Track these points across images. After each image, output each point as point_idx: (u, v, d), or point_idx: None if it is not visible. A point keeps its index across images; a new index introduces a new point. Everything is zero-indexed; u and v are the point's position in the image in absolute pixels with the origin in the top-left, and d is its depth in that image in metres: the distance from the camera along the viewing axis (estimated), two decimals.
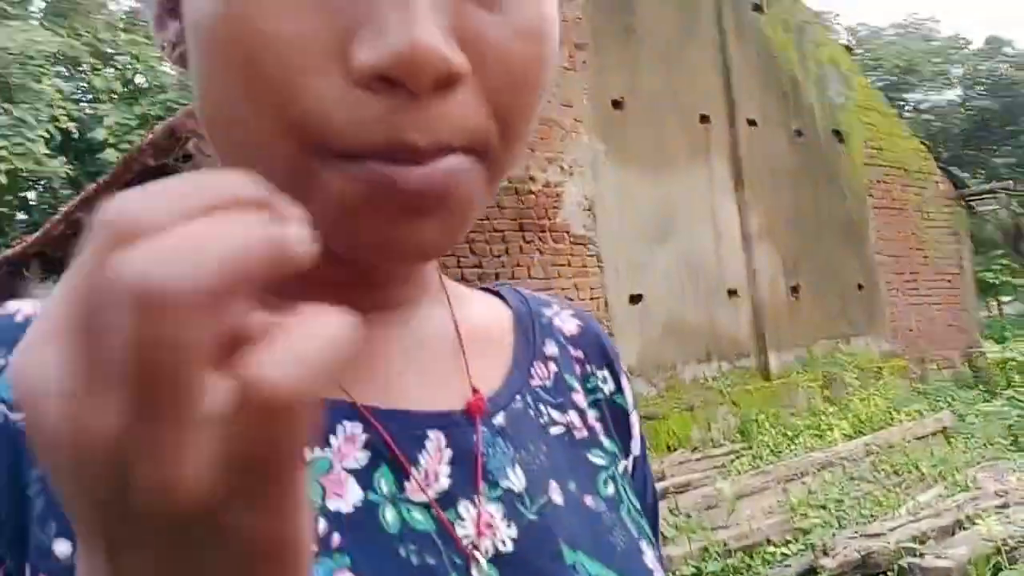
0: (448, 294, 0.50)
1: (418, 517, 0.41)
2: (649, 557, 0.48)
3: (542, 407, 0.50)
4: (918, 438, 7.00)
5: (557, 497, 0.46)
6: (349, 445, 0.41)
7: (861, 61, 28.92)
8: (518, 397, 0.49)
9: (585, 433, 0.52)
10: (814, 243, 9.34)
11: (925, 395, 8.87)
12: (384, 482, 0.41)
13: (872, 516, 5.07)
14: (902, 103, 24.36)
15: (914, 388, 8.96)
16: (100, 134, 17.09)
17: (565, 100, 7.25)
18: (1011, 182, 13.28)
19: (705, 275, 8.21)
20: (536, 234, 7.02)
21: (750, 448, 6.59)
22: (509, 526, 0.43)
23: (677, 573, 4.38)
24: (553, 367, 0.53)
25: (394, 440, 0.42)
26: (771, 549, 4.65)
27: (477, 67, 0.35)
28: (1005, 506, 5.09)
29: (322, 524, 0.38)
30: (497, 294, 0.56)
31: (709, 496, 5.32)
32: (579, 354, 0.56)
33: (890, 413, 7.72)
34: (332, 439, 0.40)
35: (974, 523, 4.75)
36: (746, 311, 8.43)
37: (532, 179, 7.02)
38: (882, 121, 11.05)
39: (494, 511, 0.44)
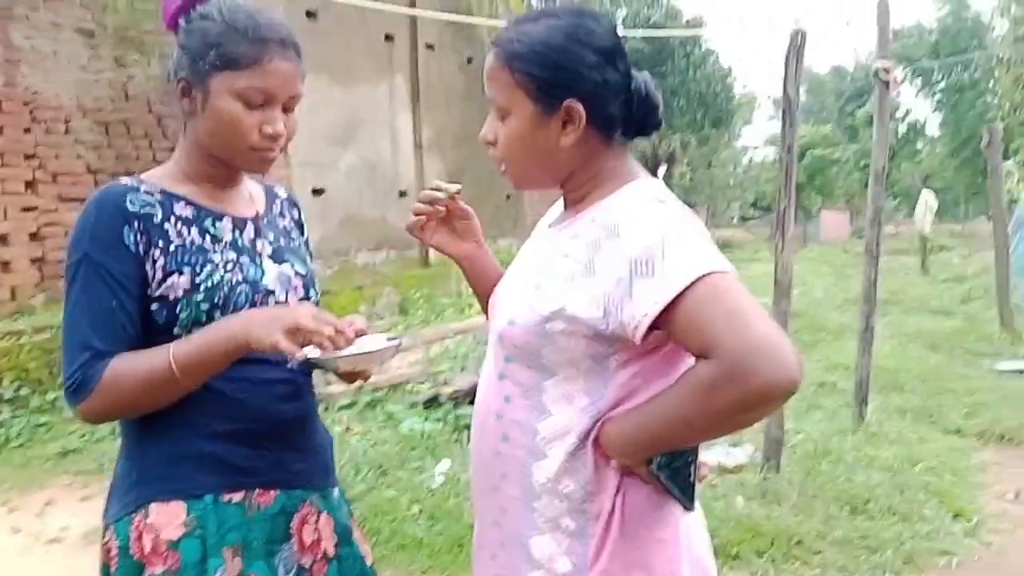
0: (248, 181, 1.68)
1: (246, 243, 1.40)
2: (309, 260, 1.70)
3: (277, 219, 1.52)
4: None
5: (283, 242, 1.56)
6: (227, 223, 1.44)
7: None
8: (269, 215, 1.61)
9: (291, 226, 1.65)
10: (475, 157, 11.02)
11: None
12: (237, 234, 1.39)
13: None
14: None
15: None
16: None
17: (261, 6, 7.90)
18: None
19: (382, 176, 9.50)
20: None
21: (406, 320, 8.15)
22: (270, 247, 1.46)
23: (337, 404, 5.75)
24: (278, 209, 1.61)
25: (237, 224, 1.47)
26: (410, 387, 6.20)
27: (288, 132, 1.47)
28: None
29: (216, 245, 1.49)
30: (257, 183, 1.73)
31: None
32: (287, 203, 1.69)
33: None
34: (219, 222, 1.47)
35: None
36: None
37: None
38: None
39: (265, 244, 1.43)
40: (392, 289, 8.74)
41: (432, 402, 5.77)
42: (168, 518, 1.28)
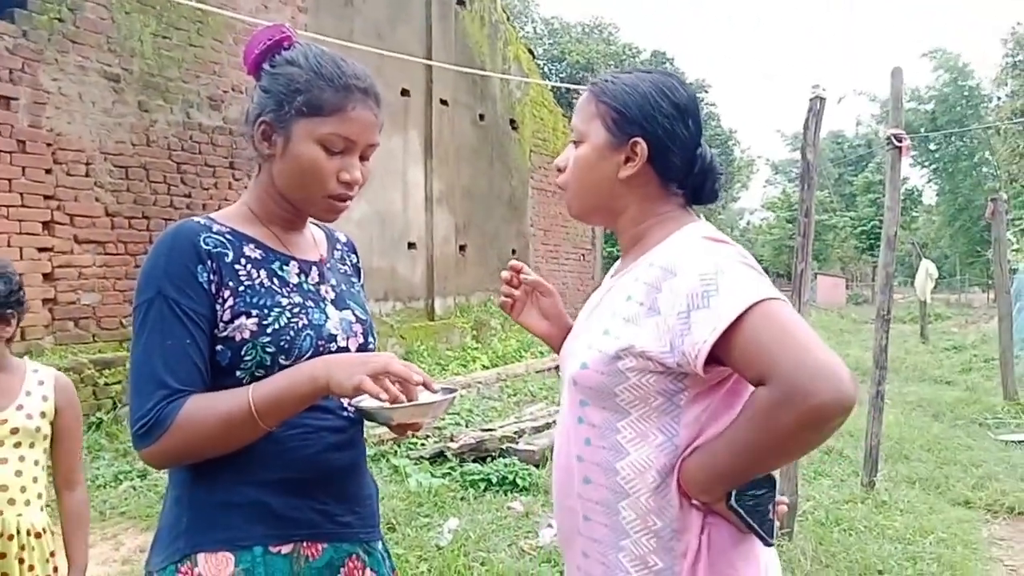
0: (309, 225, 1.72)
1: (311, 286, 1.41)
2: (366, 306, 1.73)
3: (338, 264, 1.54)
4: (538, 371, 9.06)
5: (344, 287, 1.59)
6: (294, 267, 1.52)
7: (549, 52, 32.15)
8: (332, 260, 1.65)
9: (349, 271, 1.70)
10: (483, 211, 11.16)
11: None
12: (302, 277, 1.41)
13: (490, 420, 6.83)
14: (578, 95, 27.62)
15: None
16: None
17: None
18: None
19: (392, 228, 9.58)
20: (245, 172, 7.82)
21: None
22: (332, 292, 1.47)
23: None
24: (338, 253, 1.64)
25: (303, 268, 1.48)
26: (414, 440, 6.16)
27: (363, 180, 1.53)
28: None
29: (284, 288, 1.53)
30: (318, 227, 1.76)
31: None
32: (347, 249, 1.73)
33: (520, 352, 9.78)
34: (286, 266, 1.51)
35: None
36: (421, 262, 9.98)
37: None
38: (549, 116, 13.23)
39: (328, 289, 1.45)
40: (396, 341, 8.74)
41: (438, 457, 5.75)
42: (216, 569, 1.27)
